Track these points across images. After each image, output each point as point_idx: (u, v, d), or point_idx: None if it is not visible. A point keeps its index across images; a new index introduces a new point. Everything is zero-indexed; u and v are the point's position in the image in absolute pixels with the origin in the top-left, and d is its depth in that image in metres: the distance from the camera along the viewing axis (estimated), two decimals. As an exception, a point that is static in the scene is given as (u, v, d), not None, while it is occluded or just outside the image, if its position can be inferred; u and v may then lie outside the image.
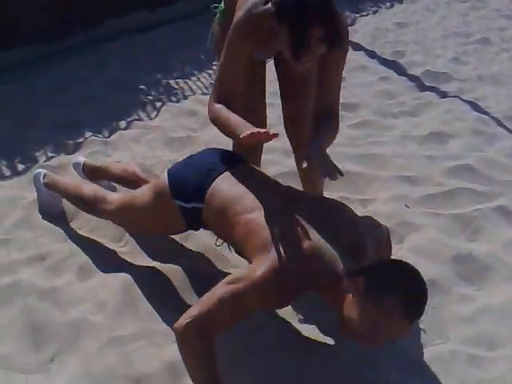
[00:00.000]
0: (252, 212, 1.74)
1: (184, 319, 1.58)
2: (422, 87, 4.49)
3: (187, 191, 1.91)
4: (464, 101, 4.19)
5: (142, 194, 2.04)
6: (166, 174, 1.99)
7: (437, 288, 2.19)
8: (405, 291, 1.49)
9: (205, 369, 1.58)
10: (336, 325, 1.66)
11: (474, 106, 4.09)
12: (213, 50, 2.24)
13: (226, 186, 1.85)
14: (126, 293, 2.05)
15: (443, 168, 3.16)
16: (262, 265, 1.59)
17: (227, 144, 3.29)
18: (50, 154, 3.09)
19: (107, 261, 2.26)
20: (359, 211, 2.71)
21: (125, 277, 2.13)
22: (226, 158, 1.96)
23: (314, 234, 1.65)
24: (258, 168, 2.00)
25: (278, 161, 3.12)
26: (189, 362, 1.61)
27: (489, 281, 2.29)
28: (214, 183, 1.87)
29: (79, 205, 2.28)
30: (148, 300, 2.05)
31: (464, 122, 3.80)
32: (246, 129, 1.75)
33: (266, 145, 3.31)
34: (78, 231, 2.45)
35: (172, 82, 4.27)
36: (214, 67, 4.63)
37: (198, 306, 1.60)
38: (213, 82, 4.39)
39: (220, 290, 1.60)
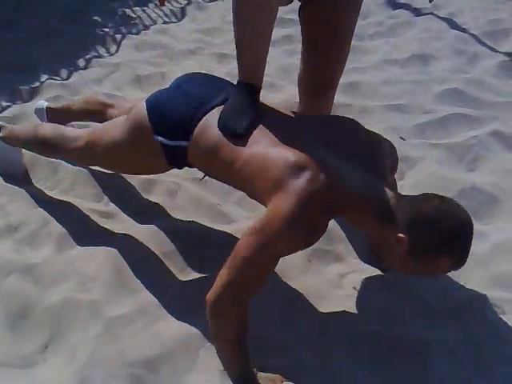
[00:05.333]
0: (254, 145, 1.51)
1: (216, 291, 1.41)
2: (395, 5, 4.25)
3: (171, 126, 1.65)
4: (440, 18, 3.99)
5: (115, 126, 1.77)
6: (143, 104, 1.71)
7: (447, 227, 2.09)
8: (455, 248, 1.36)
9: (237, 344, 1.46)
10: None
11: (451, 24, 3.90)
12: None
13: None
14: (115, 263, 1.83)
15: (431, 93, 3.01)
16: (284, 201, 1.37)
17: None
18: (3, 104, 2.75)
19: (88, 226, 2.01)
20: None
21: (111, 244, 1.90)
22: (217, 87, 1.71)
23: (332, 159, 1.45)
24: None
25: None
26: (221, 336, 1.46)
27: (497, 213, 2.20)
28: (204, 119, 1.62)
29: (41, 149, 1.99)
30: (141, 269, 1.84)
31: (443, 41, 3.63)
32: None
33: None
34: (50, 193, 2.18)
35: (128, 10, 3.88)
36: (172, -8, 4.25)
37: (225, 271, 1.41)
38: (173, 8, 4.02)
39: (244, 246, 1.40)
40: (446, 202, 1.40)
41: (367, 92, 3.00)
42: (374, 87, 3.04)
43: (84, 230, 1.99)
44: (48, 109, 2.35)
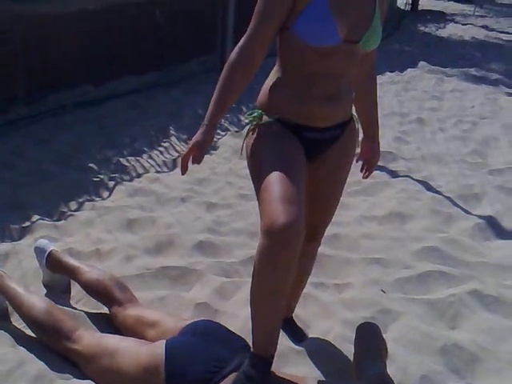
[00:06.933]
0: None
1: None
2: (373, 166, 4.55)
3: None
4: (415, 180, 4.27)
5: (127, 356, 1.80)
6: (163, 348, 1.76)
7: (431, 384, 2.07)
8: None
9: None
10: None
11: (426, 186, 4.16)
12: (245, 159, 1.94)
13: None
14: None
15: (410, 250, 3.12)
16: None
17: (186, 223, 3.10)
18: (-8, 241, 2.79)
19: (63, 370, 1.95)
20: (336, 297, 2.60)
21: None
22: (233, 347, 1.81)
23: None
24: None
25: (245, 243, 2.98)
26: None
27: (479, 373, 2.19)
28: None
29: (34, 331, 2.03)
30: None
31: (420, 201, 3.84)
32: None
33: (230, 227, 3.18)
34: (27, 331, 2.13)
35: (123, 159, 4.09)
36: (166, 144, 4.52)
37: None
38: (165, 159, 4.25)
39: None
40: None
41: (348, 245, 3.11)
42: (355, 241, 3.15)
43: (61, 367, 1.94)
44: (51, 255, 2.33)
